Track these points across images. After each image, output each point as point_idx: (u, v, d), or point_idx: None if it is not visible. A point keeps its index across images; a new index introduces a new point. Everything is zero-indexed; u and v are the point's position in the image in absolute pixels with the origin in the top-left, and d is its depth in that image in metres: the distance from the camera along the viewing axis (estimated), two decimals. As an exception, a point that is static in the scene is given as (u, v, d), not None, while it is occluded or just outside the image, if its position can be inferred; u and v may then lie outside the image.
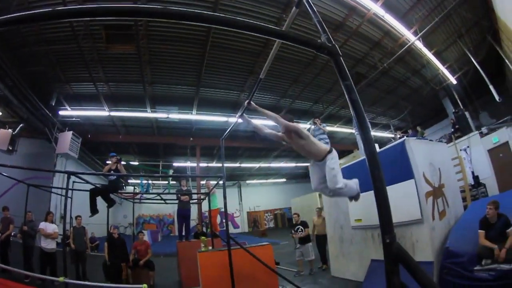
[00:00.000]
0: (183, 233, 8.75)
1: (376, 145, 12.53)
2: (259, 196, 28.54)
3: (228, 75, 10.98)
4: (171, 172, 19.85)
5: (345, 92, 1.55)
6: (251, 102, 3.60)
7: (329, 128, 12.97)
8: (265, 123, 4.49)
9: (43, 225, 6.94)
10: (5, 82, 8.17)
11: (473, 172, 10.40)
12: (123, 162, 6.77)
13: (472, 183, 9.92)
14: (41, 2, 7.09)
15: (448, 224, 5.61)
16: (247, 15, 8.17)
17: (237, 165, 21.46)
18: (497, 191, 9.33)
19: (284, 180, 29.53)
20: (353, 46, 10.25)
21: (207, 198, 8.71)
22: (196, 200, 10.77)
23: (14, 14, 1.32)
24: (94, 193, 6.25)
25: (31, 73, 9.28)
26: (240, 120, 4.22)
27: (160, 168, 18.94)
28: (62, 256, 4.75)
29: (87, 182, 6.06)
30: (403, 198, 5.12)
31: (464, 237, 4.89)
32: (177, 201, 9.34)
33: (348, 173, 6.74)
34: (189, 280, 6.69)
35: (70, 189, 4.75)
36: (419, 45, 9.83)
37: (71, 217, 6.21)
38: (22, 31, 7.78)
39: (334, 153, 3.51)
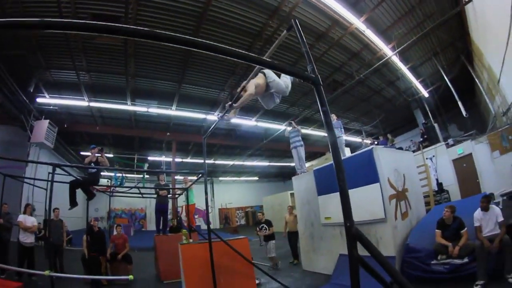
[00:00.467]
0: (161, 227, 8.85)
1: (348, 149, 13.16)
2: (231, 193, 28.61)
3: (211, 73, 11.09)
4: (146, 166, 19.57)
5: (322, 116, 1.90)
6: (233, 104, 3.80)
7: (304, 131, 13.45)
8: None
9: (22, 217, 6.74)
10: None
11: (437, 179, 11.18)
12: (97, 154, 6.66)
13: (436, 189, 10.71)
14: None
15: (410, 224, 6.16)
16: (235, 18, 8.40)
17: (211, 161, 21.48)
18: (459, 197, 10.12)
19: (256, 178, 29.82)
20: (333, 55, 10.68)
21: (183, 193, 8.78)
22: (171, 195, 10.84)
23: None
24: (74, 186, 6.10)
25: (11, 56, 8.90)
26: (222, 119, 4.49)
27: (135, 161, 18.60)
28: (41, 250, 4.73)
29: (70, 174, 6.04)
30: (369, 199, 5.63)
31: (423, 235, 5.48)
32: (154, 195, 9.43)
33: (319, 175, 7.22)
34: (167, 273, 6.82)
35: (55, 181, 4.68)
36: (396, 59, 10.38)
37: (46, 210, 6.06)
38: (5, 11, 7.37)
39: (267, 71, 3.71)
